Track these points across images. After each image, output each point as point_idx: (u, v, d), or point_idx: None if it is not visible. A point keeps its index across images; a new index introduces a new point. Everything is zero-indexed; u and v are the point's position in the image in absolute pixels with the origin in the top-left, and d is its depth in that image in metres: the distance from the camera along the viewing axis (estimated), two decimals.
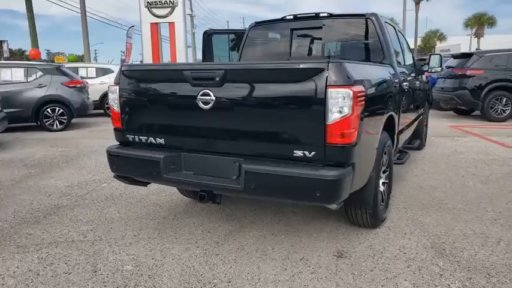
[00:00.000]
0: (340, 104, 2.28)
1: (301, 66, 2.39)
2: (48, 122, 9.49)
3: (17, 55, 48.57)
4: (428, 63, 5.28)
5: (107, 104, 12.54)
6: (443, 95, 10.09)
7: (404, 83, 4.00)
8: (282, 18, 4.32)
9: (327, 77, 2.27)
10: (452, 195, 4.16)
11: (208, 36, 5.31)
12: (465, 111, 10.78)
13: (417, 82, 4.97)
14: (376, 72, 3.11)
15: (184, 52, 25.63)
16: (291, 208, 3.73)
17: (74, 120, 10.05)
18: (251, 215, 3.62)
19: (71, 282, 2.54)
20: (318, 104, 2.31)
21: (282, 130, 2.48)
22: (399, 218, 3.53)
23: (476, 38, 53.27)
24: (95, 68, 12.90)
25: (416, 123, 5.28)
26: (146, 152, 2.91)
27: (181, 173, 2.85)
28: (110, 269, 2.70)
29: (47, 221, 3.60)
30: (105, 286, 2.49)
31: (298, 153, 2.42)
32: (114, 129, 3.19)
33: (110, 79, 12.57)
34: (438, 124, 9.16)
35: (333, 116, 2.30)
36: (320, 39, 4.21)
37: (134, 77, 2.97)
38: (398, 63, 4.10)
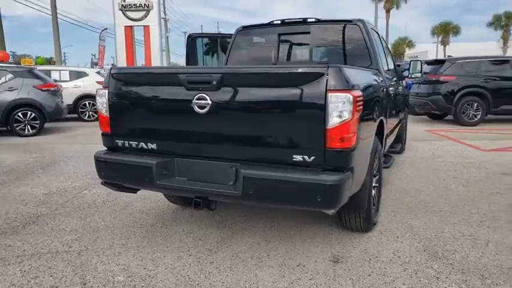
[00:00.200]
0: (340, 108, 2.27)
1: (301, 70, 2.37)
2: (19, 127, 9.10)
3: None
4: (409, 69, 5.40)
5: (81, 108, 12.21)
6: (418, 100, 10.36)
7: (390, 88, 4.06)
8: (270, 23, 4.30)
9: (326, 82, 2.26)
10: (437, 198, 4.24)
11: (192, 39, 5.23)
12: (438, 116, 11.11)
13: (399, 87, 5.07)
14: (368, 77, 3.14)
15: (159, 56, 25.33)
16: (281, 214, 3.70)
17: (46, 125, 9.68)
18: (242, 222, 3.56)
19: None
20: (318, 108, 2.29)
21: (281, 134, 2.45)
22: (389, 221, 3.56)
23: (442, 46, 55.31)
24: (68, 71, 12.49)
25: (398, 127, 5.37)
26: (137, 158, 2.81)
27: (175, 179, 2.77)
28: (100, 280, 2.58)
29: (27, 231, 3.42)
30: None
31: (298, 157, 2.39)
32: (102, 134, 3.07)
33: (84, 82, 12.26)
34: (414, 128, 9.38)
35: (333, 121, 2.29)
36: (307, 44, 4.22)
37: (125, 80, 2.87)
38: (383, 68, 4.16)
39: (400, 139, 6.00)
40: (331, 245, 3.08)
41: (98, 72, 13.41)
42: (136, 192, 3.34)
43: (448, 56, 12.30)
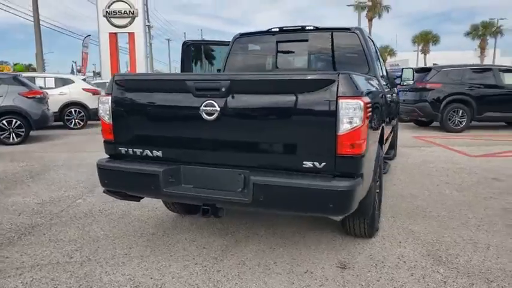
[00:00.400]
0: (350, 114, 2.29)
1: (312, 77, 2.39)
2: (4, 135, 8.87)
3: None
4: (401, 76, 5.50)
5: (67, 115, 11.99)
6: (405, 107, 10.54)
7: (387, 95, 4.12)
8: (268, 30, 4.33)
9: (337, 88, 2.28)
10: (433, 203, 4.31)
11: (187, 46, 5.22)
12: (425, 123, 11.32)
13: (394, 94, 5.15)
14: (371, 84, 3.18)
15: (145, 63, 25.27)
16: (283, 220, 3.69)
17: (31, 133, 9.46)
18: (244, 229, 3.54)
19: None
20: (329, 115, 2.31)
21: (291, 141, 2.45)
22: (390, 227, 3.59)
23: (423, 54, 56.66)
24: (53, 78, 12.26)
25: (392, 133, 5.45)
26: (143, 166, 2.77)
27: (181, 186, 2.74)
28: None
29: (23, 242, 3.32)
30: None
31: (308, 164, 2.40)
32: (105, 141, 3.01)
33: (70, 90, 12.06)
34: (402, 135, 9.50)
35: (344, 127, 2.30)
36: (305, 51, 4.26)
37: (129, 87, 2.84)
38: (380, 75, 4.23)
39: (393, 145, 6.09)
40: (336, 251, 3.08)
41: (84, 80, 13.22)
42: (139, 200, 3.28)
43: (434, 64, 12.57)
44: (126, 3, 24.81)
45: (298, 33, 4.21)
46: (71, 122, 12.06)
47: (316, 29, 4.13)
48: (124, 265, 2.88)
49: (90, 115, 12.24)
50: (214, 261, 2.93)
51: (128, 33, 25.26)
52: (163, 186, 2.66)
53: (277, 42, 4.29)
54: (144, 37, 25.05)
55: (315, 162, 2.38)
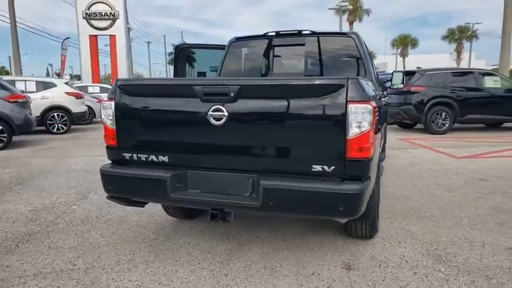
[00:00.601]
0: (359, 119, 2.35)
1: (321, 82, 2.44)
2: None
3: None
4: (391, 80, 5.63)
5: (50, 120, 11.74)
6: (390, 110, 10.73)
7: (383, 98, 4.22)
8: (264, 34, 4.37)
9: (347, 93, 2.33)
10: (426, 203, 4.42)
11: (180, 50, 5.21)
12: (408, 125, 11.57)
13: (386, 98, 5.27)
14: (373, 88, 3.25)
15: (127, 66, 25.00)
16: (283, 223, 3.73)
17: (14, 138, 9.22)
18: (246, 233, 3.56)
19: None
20: (338, 119, 2.36)
21: (300, 145, 2.49)
22: (388, 227, 3.67)
23: (401, 57, 57.91)
24: (34, 82, 11.98)
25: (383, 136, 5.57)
26: (150, 171, 2.76)
27: (188, 191, 2.74)
28: None
29: (22, 250, 3.25)
30: None
31: (317, 168, 2.44)
32: (107, 147, 2.99)
33: (52, 93, 11.82)
34: (388, 137, 9.67)
35: (353, 131, 2.36)
36: (302, 55, 4.31)
37: (134, 92, 2.83)
38: (375, 79, 4.32)
39: (383, 147, 6.21)
40: (339, 252, 3.14)
41: (67, 83, 12.97)
42: (143, 206, 3.27)
43: (418, 67, 12.88)
44: (107, 5, 24.55)
45: (295, 37, 4.27)
46: (54, 127, 11.81)
47: (313, 33, 4.19)
48: (130, 271, 2.85)
49: (73, 119, 12.03)
50: (221, 265, 2.95)
51: (109, 35, 25.02)
52: (170, 191, 2.66)
53: (274, 46, 4.34)
54: (126, 40, 24.82)
55: (324, 166, 2.43)
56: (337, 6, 35.59)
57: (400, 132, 11.13)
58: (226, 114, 2.53)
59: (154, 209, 4.11)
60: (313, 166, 2.45)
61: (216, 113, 2.55)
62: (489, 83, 10.66)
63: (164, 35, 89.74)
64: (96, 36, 24.72)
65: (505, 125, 11.69)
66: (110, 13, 24.13)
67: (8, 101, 8.98)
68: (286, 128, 2.51)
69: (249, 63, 4.59)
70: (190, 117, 2.68)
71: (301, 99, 2.44)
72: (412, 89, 10.10)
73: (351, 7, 38.97)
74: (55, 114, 11.79)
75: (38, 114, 11.24)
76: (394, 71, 5.46)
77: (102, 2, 24.11)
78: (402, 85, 5.48)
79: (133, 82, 3.10)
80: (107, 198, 3.02)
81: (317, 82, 2.46)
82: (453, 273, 2.79)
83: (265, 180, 2.48)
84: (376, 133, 2.78)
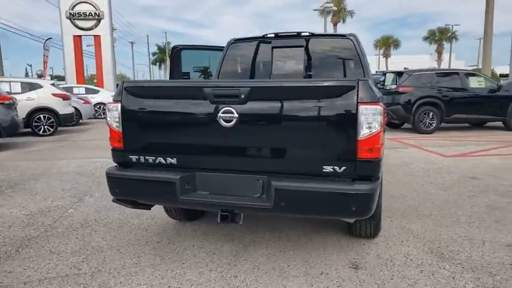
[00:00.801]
0: (370, 120, 2.38)
1: (332, 83, 2.46)
2: None
3: None
4: (384, 81, 5.71)
5: (36, 121, 11.50)
6: None
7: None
8: (263, 36, 4.38)
9: (357, 94, 2.36)
10: (423, 202, 4.50)
11: (177, 51, 5.17)
12: (396, 125, 11.75)
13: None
14: (378, 90, 3.30)
15: (112, 66, 24.64)
16: (285, 224, 3.74)
17: (0, 141, 9.02)
18: (249, 234, 3.56)
19: None
20: (350, 120, 2.38)
21: (311, 147, 2.50)
22: (389, 226, 3.73)
23: (384, 58, 58.74)
24: (20, 83, 11.71)
25: None
26: (158, 173, 2.73)
27: (196, 193, 2.73)
28: None
29: (23, 256, 3.18)
30: None
31: (328, 168, 2.46)
32: (113, 149, 2.95)
33: (38, 95, 11.58)
34: None
35: (364, 132, 2.39)
36: (301, 57, 4.33)
37: (140, 93, 2.80)
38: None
39: None
40: (345, 252, 3.17)
41: (53, 84, 12.72)
42: (150, 209, 3.24)
43: (405, 68, 13.09)
44: (91, 4, 24.16)
45: (294, 39, 4.29)
46: (40, 129, 11.57)
47: (312, 35, 4.22)
48: (137, 274, 2.83)
49: (60, 121, 11.81)
50: (229, 266, 2.94)
51: (94, 36, 24.61)
52: (180, 193, 2.65)
53: (273, 47, 4.35)
54: (111, 40, 24.45)
55: (335, 167, 2.45)
56: (322, 7, 35.92)
57: (389, 132, 11.27)
58: (237, 116, 2.53)
59: (154, 212, 4.06)
60: (324, 167, 2.47)
61: (226, 115, 2.54)
62: (474, 83, 10.91)
63: (147, 36, 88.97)
64: (80, 36, 24.30)
65: (488, 124, 11.99)
66: (95, 13, 23.75)
67: None
68: (296, 129, 2.52)
69: (247, 65, 4.59)
70: (199, 119, 2.67)
71: (312, 100, 2.45)
72: (400, 89, 10.26)
73: (335, 8, 39.35)
74: (41, 115, 11.56)
75: (24, 116, 11.00)
76: (386, 72, 5.54)
77: (87, 2, 23.71)
78: (395, 86, 5.56)
79: (140, 84, 3.07)
80: (113, 201, 2.98)
81: (327, 84, 2.48)
82: (458, 270, 2.85)
83: (276, 181, 2.49)
84: (384, 132, 2.83)
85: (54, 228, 3.79)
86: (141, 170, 2.83)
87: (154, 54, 64.55)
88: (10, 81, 11.76)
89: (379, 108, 2.38)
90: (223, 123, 2.55)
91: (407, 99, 10.31)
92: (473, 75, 11.36)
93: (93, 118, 16.71)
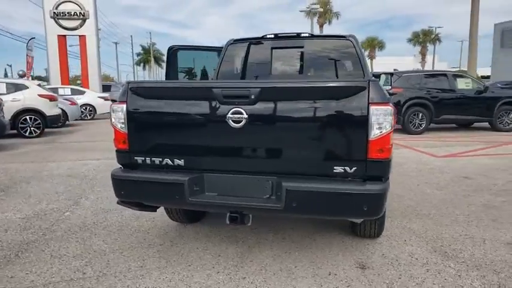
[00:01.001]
0: (380, 120, 2.39)
1: (342, 84, 2.47)
2: None
3: None
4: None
5: (22, 123, 11.25)
6: None
7: None
8: (262, 36, 4.37)
9: (368, 95, 2.38)
10: (421, 202, 4.56)
11: (173, 52, 5.12)
12: None
13: None
14: None
15: (97, 67, 24.27)
16: (288, 225, 3.74)
17: None
18: (253, 235, 3.55)
19: None
20: (361, 121, 2.39)
21: (322, 147, 2.51)
22: (390, 226, 3.75)
23: (369, 59, 59.40)
24: (5, 83, 11.44)
25: None
26: (166, 175, 2.70)
27: (205, 194, 2.70)
28: None
29: (23, 260, 3.10)
30: None
31: (338, 169, 2.47)
32: (117, 150, 2.90)
33: (24, 96, 11.33)
34: None
35: (374, 132, 2.40)
36: (300, 58, 4.35)
37: (147, 94, 2.76)
38: None
39: None
40: (350, 252, 3.18)
41: (39, 85, 12.46)
42: (156, 211, 3.19)
43: (394, 69, 13.25)
44: (76, 4, 23.74)
45: (293, 40, 4.29)
46: (26, 130, 11.31)
47: (311, 36, 4.23)
48: (144, 277, 2.78)
49: (47, 122, 11.57)
50: (236, 268, 2.92)
51: (79, 36, 24.19)
52: (188, 195, 2.62)
53: (272, 48, 4.35)
54: (96, 40, 24.08)
55: (345, 167, 2.46)
56: (308, 8, 36.10)
57: None
58: (246, 116, 2.51)
59: (153, 214, 4.02)
60: (334, 167, 2.47)
61: (235, 116, 2.53)
62: (461, 85, 11.10)
63: (131, 36, 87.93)
64: (65, 36, 23.85)
65: (475, 124, 12.22)
66: (80, 13, 23.35)
67: None
68: (306, 130, 2.52)
69: (246, 66, 4.57)
70: (208, 119, 2.64)
71: (323, 101, 2.45)
72: (391, 90, 10.38)
73: (322, 10, 39.62)
74: (27, 117, 11.30)
75: (9, 117, 10.75)
76: (381, 73, 5.60)
77: (71, 2, 23.29)
78: (389, 87, 5.63)
79: (146, 85, 3.02)
80: (118, 203, 2.93)
81: (338, 84, 2.50)
82: (463, 268, 2.89)
83: (287, 182, 2.48)
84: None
85: (52, 232, 3.71)
86: (148, 172, 2.79)
87: (138, 54, 63.92)
88: None
89: (389, 108, 2.40)
90: (232, 124, 2.54)
91: (396, 100, 10.42)
92: (461, 76, 11.56)
93: (80, 119, 16.44)
